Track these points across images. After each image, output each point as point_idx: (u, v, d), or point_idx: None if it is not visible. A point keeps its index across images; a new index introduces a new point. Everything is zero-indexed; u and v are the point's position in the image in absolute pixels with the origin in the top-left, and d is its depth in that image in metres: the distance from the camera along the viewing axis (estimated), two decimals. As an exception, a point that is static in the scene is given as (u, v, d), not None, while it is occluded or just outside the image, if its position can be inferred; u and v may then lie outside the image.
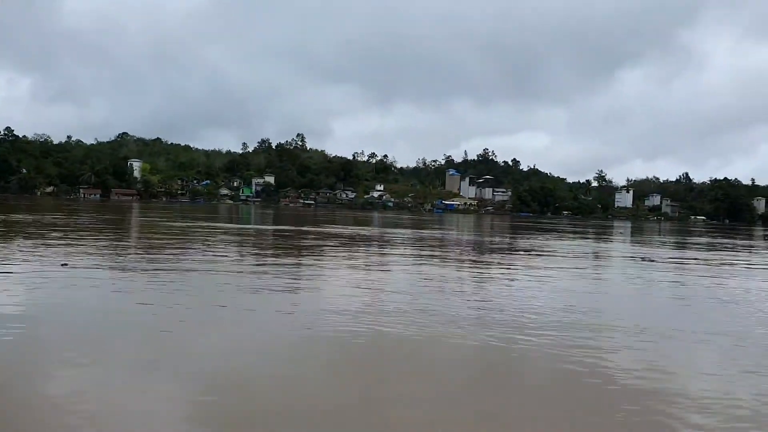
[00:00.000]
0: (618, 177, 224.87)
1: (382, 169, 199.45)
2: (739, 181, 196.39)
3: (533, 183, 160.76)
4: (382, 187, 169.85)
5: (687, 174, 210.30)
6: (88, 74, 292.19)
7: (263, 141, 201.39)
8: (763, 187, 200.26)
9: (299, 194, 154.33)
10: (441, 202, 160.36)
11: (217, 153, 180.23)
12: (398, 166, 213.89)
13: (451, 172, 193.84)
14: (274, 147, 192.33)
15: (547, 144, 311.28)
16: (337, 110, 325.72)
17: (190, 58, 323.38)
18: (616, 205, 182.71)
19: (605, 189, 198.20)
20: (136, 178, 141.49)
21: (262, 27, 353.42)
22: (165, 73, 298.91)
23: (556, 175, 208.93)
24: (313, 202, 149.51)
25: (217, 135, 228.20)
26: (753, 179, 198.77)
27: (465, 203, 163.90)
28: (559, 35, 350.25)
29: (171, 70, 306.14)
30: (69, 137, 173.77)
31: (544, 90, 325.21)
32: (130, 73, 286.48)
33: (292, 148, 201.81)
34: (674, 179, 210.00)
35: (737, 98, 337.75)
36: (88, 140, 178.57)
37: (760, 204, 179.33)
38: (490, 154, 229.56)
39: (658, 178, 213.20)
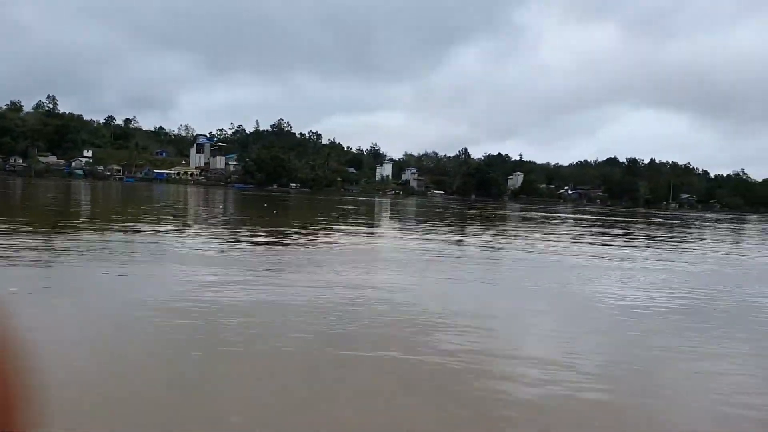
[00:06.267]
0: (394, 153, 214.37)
1: (121, 136, 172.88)
2: (509, 157, 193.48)
3: (261, 152, 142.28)
4: (90, 153, 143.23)
5: (466, 149, 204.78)
6: None
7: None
8: (536, 164, 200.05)
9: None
10: (149, 170, 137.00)
11: None
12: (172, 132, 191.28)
13: (200, 140, 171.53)
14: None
15: (401, 123, 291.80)
16: (176, 80, 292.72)
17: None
18: (377, 178, 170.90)
19: (377, 163, 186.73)
20: None
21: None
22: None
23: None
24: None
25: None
26: (521, 154, 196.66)
27: (182, 172, 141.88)
28: (393, 5, 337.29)
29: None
30: None
31: (389, 67, 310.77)
32: None
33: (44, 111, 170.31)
34: (453, 155, 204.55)
35: (574, 79, 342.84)
36: None
37: (518, 179, 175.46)
38: (285, 125, 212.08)
39: (436, 153, 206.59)
